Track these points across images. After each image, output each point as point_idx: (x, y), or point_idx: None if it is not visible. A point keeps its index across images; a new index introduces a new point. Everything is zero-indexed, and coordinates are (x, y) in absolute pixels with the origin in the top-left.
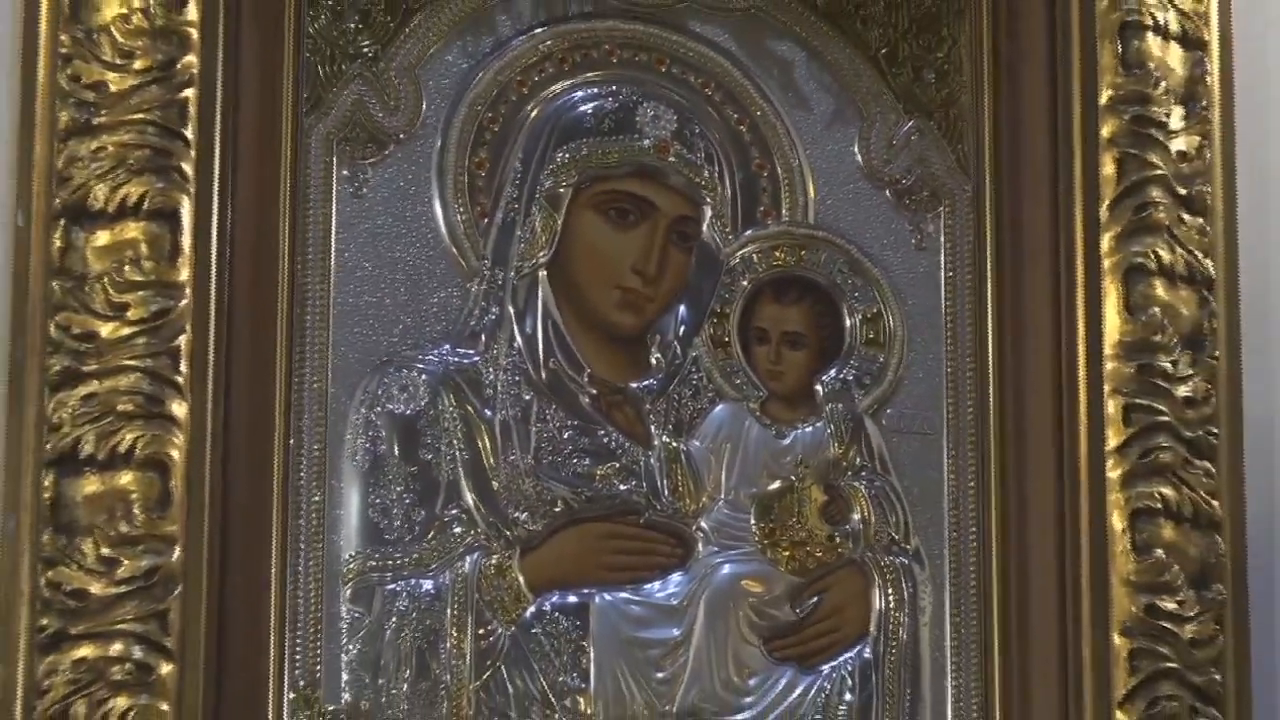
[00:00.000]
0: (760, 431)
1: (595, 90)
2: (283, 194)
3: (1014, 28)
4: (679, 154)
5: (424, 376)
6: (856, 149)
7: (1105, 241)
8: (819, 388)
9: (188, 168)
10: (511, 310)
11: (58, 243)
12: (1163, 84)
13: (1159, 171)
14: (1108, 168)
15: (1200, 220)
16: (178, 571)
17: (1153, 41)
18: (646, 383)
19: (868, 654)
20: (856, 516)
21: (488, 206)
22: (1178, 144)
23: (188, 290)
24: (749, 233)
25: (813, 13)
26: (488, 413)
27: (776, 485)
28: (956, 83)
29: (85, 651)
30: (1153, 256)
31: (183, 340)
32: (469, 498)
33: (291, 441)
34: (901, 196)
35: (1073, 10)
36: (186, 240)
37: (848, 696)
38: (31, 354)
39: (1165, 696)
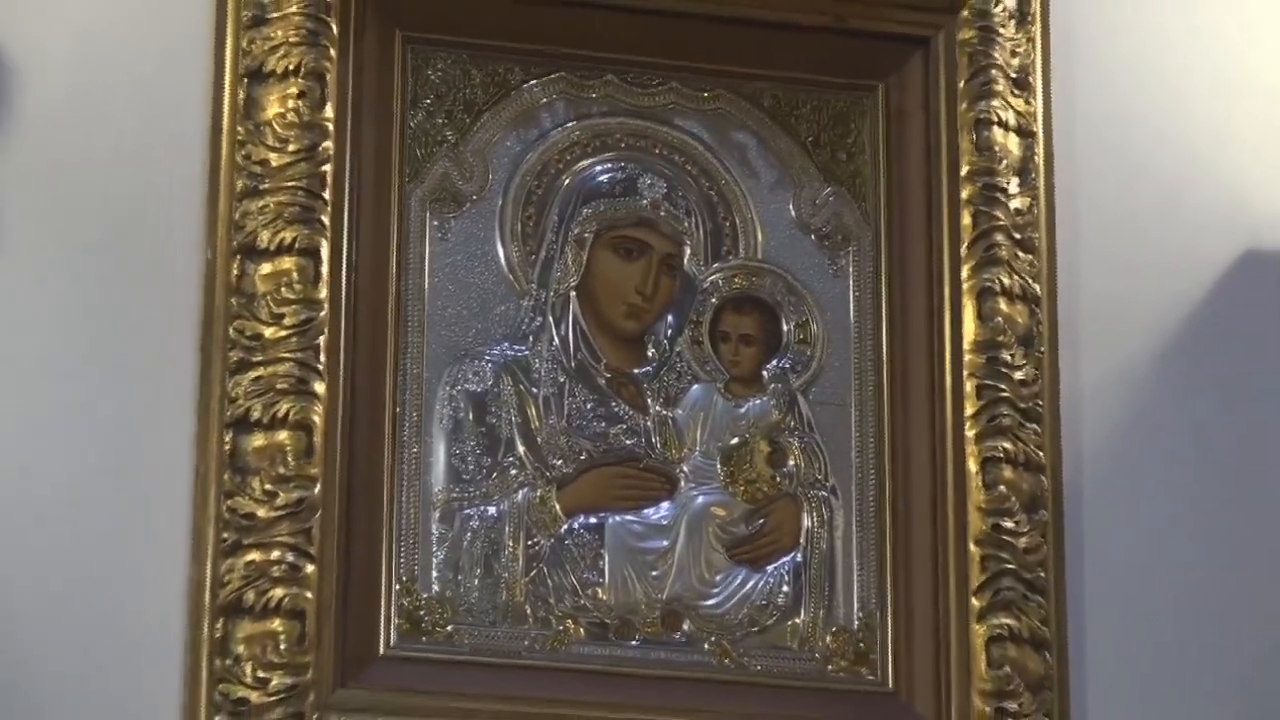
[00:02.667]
0: (724, 403)
1: (609, 166)
2: (392, 238)
3: (901, 123)
4: (668, 210)
5: (490, 365)
6: (791, 207)
7: (965, 271)
8: (765, 373)
9: (325, 220)
10: (551, 319)
11: (235, 271)
12: (1004, 161)
13: (1001, 222)
14: (966, 219)
15: (1030, 256)
16: (318, 501)
17: (997, 132)
18: (645, 369)
19: (799, 559)
20: (791, 463)
21: (534, 247)
22: (1015, 203)
23: (325, 305)
24: (716, 265)
25: (762, 112)
26: (534, 390)
27: (735, 441)
28: (861, 160)
29: (253, 556)
30: (997, 282)
31: (322, 340)
32: (521, 449)
33: (397, 410)
34: (822, 240)
35: (942, 111)
36: (325, 270)
37: (785, 588)
38: (217, 349)
39: (1006, 588)
